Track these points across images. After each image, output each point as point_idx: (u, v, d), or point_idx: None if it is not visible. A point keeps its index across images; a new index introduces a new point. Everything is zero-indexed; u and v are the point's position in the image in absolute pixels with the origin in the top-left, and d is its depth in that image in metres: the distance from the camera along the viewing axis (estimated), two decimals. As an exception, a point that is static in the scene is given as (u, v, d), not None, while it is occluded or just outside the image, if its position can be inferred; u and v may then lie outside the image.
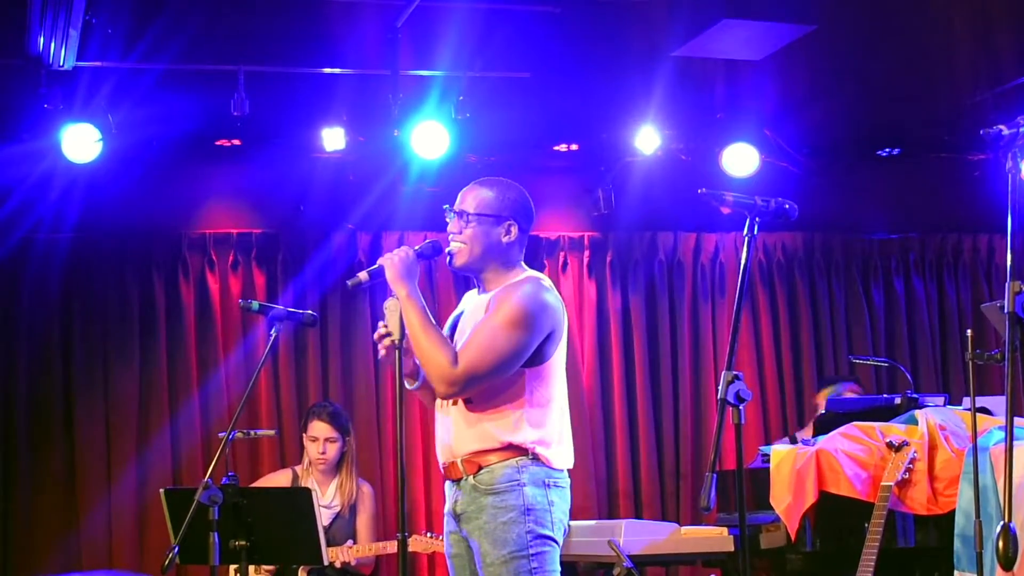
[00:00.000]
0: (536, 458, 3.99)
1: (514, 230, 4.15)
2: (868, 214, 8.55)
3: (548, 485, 4.00)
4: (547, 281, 4.14)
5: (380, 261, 4.11)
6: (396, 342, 4.04)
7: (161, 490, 5.21)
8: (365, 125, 7.38)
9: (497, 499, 3.96)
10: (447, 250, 4.15)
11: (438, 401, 4.14)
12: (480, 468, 4.00)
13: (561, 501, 4.03)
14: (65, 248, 7.40)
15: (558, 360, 4.11)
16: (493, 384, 3.99)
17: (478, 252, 4.13)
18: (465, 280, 4.32)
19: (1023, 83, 7.50)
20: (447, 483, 4.15)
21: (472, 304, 4.18)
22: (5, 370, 7.32)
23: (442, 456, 4.14)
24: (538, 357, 4.03)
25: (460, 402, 4.04)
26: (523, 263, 4.21)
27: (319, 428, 6.65)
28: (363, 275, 4.13)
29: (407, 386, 4.14)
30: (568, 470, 4.10)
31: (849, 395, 7.11)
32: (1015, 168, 3.31)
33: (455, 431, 4.06)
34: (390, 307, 4.05)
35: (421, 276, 4.31)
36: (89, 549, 7.23)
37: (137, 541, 7.30)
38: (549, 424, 4.04)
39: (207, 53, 6.77)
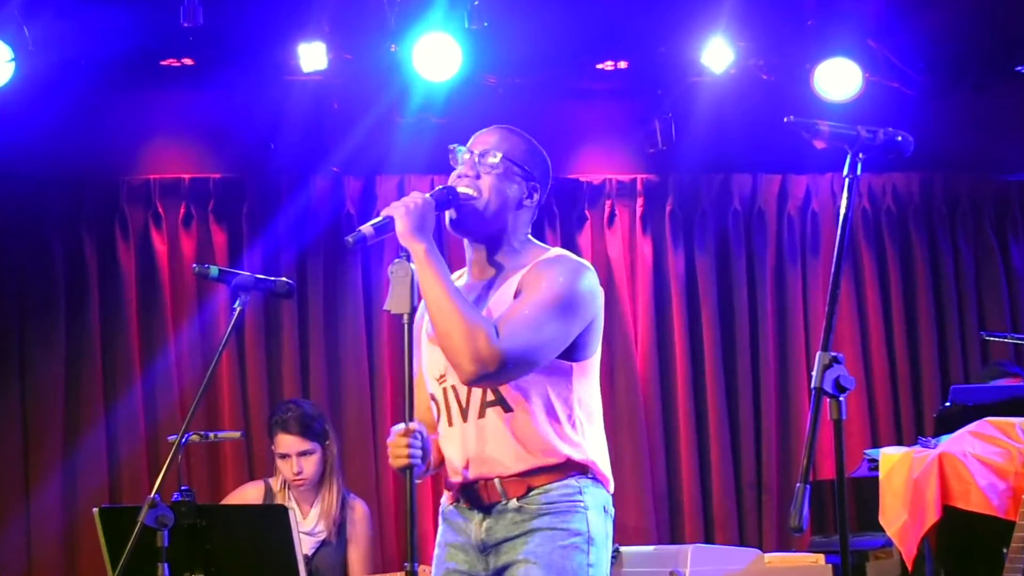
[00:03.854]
0: (595, 478, 4.06)
1: (536, 196, 4.20)
2: (1005, 147, 8.52)
3: (607, 512, 4.08)
4: (584, 260, 4.19)
5: (387, 211, 4.08)
6: (406, 319, 4.02)
7: (95, 509, 5.22)
8: (353, 39, 7.38)
9: (556, 520, 3.99)
10: (459, 190, 4.13)
11: (453, 410, 4.13)
12: (530, 489, 4.02)
13: (611, 533, 4.12)
14: (-32, 198, 7.46)
15: (598, 357, 4.17)
16: (537, 382, 4.01)
17: (494, 208, 4.12)
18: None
19: None
20: (462, 509, 4.13)
21: (478, 289, 4.17)
22: None
23: (469, 473, 4.09)
24: (584, 350, 4.07)
25: (499, 409, 4.03)
26: (532, 237, 4.23)
27: (287, 442, 6.44)
28: (367, 228, 4.09)
29: (416, 479, 4.09)
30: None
31: None
32: None
33: (493, 444, 4.05)
34: (397, 272, 4.03)
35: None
36: (4, 583, 7.30)
37: (62, 573, 7.34)
38: (600, 434, 4.11)
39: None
